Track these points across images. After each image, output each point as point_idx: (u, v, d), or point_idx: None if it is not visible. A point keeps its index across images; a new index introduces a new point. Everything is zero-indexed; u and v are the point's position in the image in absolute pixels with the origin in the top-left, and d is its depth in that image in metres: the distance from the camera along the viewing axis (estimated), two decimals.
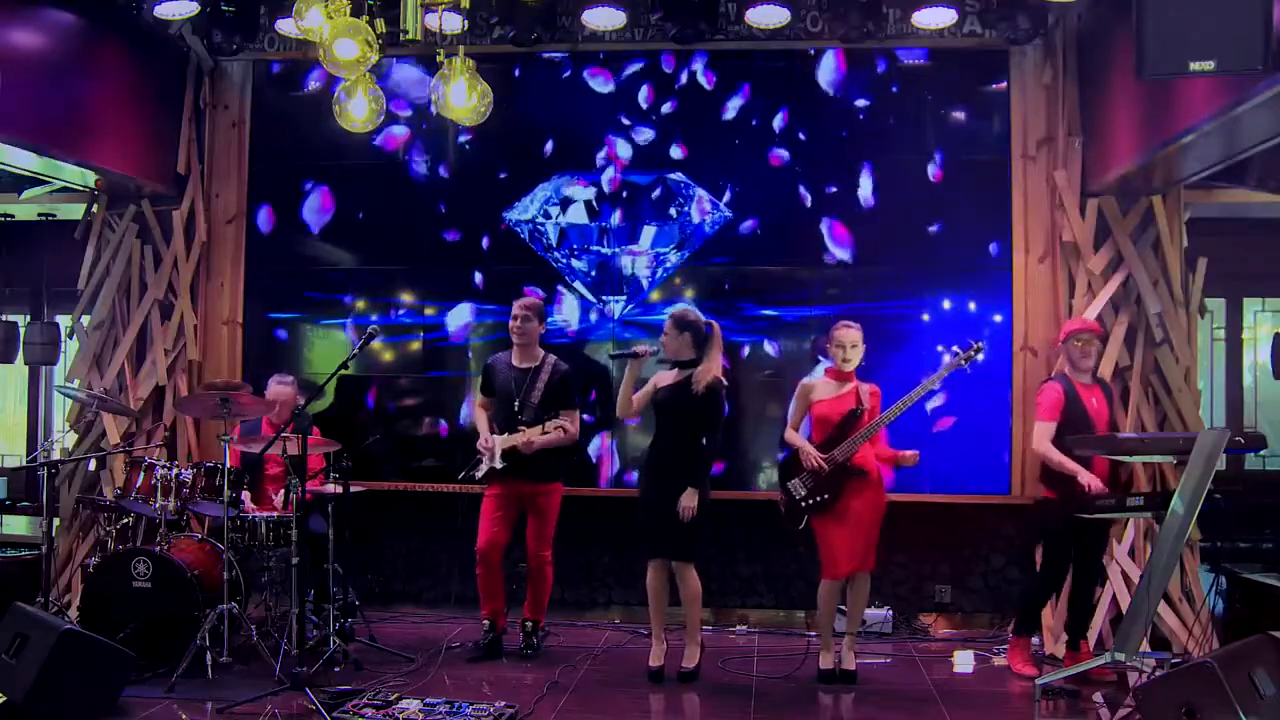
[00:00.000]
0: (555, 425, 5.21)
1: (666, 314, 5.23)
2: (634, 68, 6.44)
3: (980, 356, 5.08)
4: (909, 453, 5.04)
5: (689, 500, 4.94)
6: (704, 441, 5.04)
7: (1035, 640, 5.61)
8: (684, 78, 6.40)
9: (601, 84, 6.46)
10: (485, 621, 5.51)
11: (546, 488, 5.43)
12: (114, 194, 6.62)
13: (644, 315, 6.38)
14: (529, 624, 5.54)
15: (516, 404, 5.35)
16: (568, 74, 6.48)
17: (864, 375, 5.21)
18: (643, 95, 6.43)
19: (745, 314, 6.32)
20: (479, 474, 5.33)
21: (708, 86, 6.39)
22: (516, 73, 6.48)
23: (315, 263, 6.65)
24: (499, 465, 5.24)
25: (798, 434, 5.13)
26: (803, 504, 5.02)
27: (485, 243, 6.49)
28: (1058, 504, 5.16)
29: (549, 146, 6.47)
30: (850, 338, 5.08)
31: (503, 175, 6.50)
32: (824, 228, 6.29)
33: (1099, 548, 5.35)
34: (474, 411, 5.66)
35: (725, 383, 5.09)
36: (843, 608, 5.28)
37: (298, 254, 6.65)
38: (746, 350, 6.33)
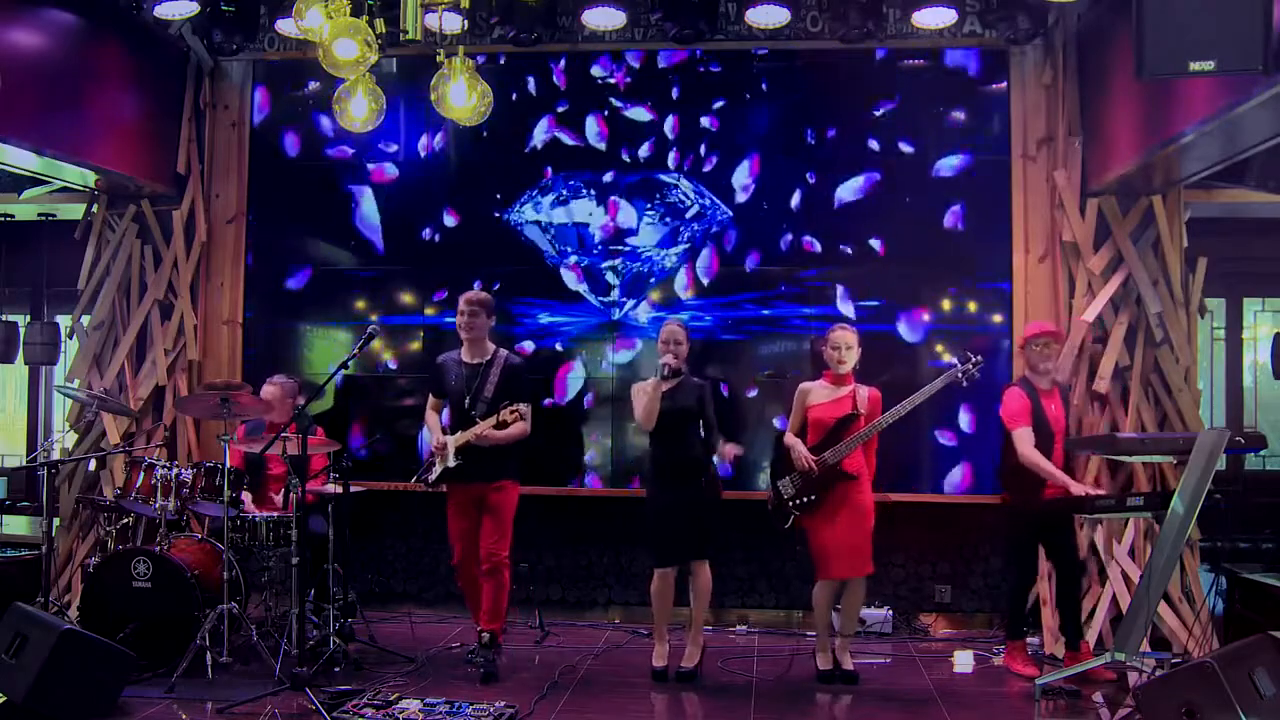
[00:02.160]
0: (511, 411, 4.96)
1: (670, 326, 5.15)
2: (635, 66, 6.44)
3: (977, 374, 5.09)
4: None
5: (735, 449, 5.03)
6: (713, 433, 5.10)
7: (1035, 640, 5.61)
8: (685, 78, 6.40)
9: (601, 83, 6.46)
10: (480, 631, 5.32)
11: (500, 485, 5.18)
12: (114, 194, 6.62)
13: (643, 315, 6.38)
14: (485, 635, 5.19)
15: (468, 401, 5.18)
16: (567, 73, 6.48)
17: (864, 376, 5.21)
18: (644, 95, 6.43)
19: (745, 314, 6.32)
20: (432, 478, 5.20)
21: (708, 86, 6.39)
22: (515, 72, 6.48)
23: (315, 262, 6.65)
24: (453, 464, 5.08)
25: (795, 437, 5.13)
26: (789, 503, 5.04)
27: (485, 243, 6.49)
28: (1014, 505, 5.25)
29: (549, 146, 6.48)
30: (846, 339, 5.07)
31: (503, 175, 6.50)
32: (823, 227, 6.29)
33: (1069, 541, 5.37)
34: (426, 415, 5.42)
35: None
36: (839, 608, 5.28)
37: (298, 254, 6.66)
38: (746, 351, 6.33)
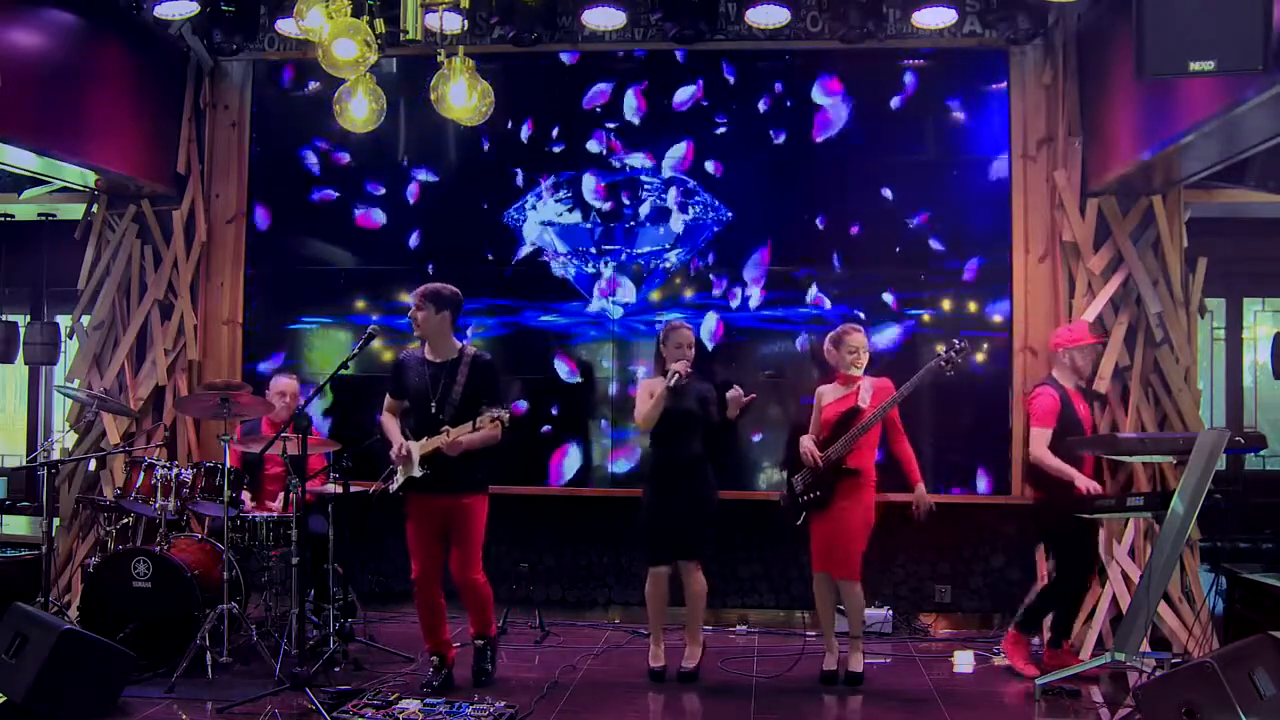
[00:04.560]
0: (492, 417, 4.55)
1: (684, 330, 5.08)
2: (635, 66, 6.44)
3: (961, 359, 5.07)
4: (926, 500, 5.08)
5: (739, 394, 4.95)
6: (714, 428, 5.10)
7: (1036, 640, 5.61)
8: (683, 77, 6.40)
9: (602, 82, 6.46)
10: (433, 658, 4.93)
11: (468, 500, 4.77)
12: (114, 194, 6.61)
13: (643, 316, 6.38)
14: (479, 642, 4.99)
15: (434, 404, 4.75)
16: (568, 73, 6.48)
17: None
18: (643, 94, 6.43)
19: (745, 314, 6.32)
20: (394, 487, 4.83)
21: (707, 86, 6.39)
22: (516, 72, 6.48)
23: (315, 262, 6.66)
24: (418, 473, 4.69)
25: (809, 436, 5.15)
26: (800, 499, 5.06)
27: (485, 242, 6.49)
28: (1049, 504, 5.20)
29: (548, 146, 6.47)
30: (862, 342, 5.12)
31: (502, 175, 6.49)
32: (823, 228, 6.28)
33: (1094, 546, 5.40)
34: (381, 419, 4.96)
35: None
36: (843, 609, 5.28)
37: (298, 254, 6.66)
38: (746, 351, 6.33)
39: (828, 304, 6.24)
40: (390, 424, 4.93)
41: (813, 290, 6.28)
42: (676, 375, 4.94)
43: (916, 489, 5.12)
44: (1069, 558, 5.26)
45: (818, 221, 6.29)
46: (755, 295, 6.30)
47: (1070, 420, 5.16)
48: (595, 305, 6.42)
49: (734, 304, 6.31)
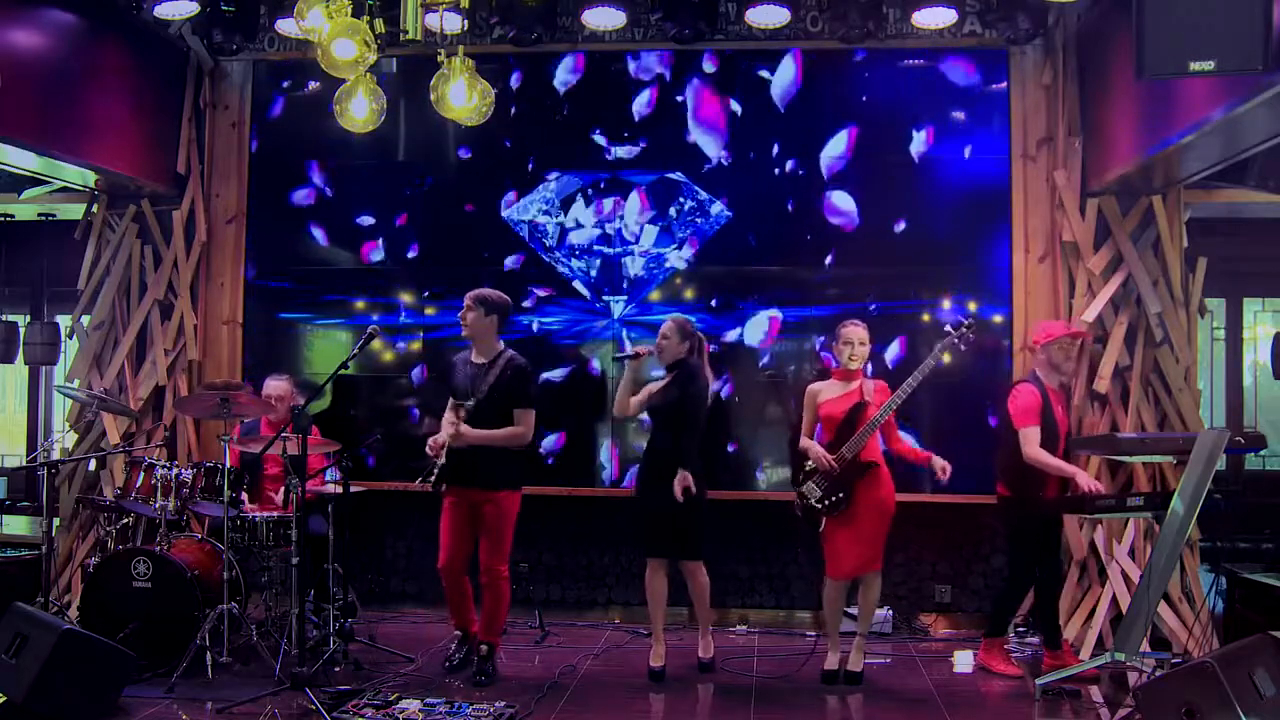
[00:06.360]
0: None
1: (668, 319, 5.22)
2: (635, 65, 6.44)
3: (972, 334, 5.06)
4: (939, 462, 4.99)
5: (681, 483, 4.93)
6: (686, 433, 5.06)
7: (1035, 640, 5.61)
8: (684, 77, 6.40)
9: (602, 81, 6.46)
10: (457, 631, 5.26)
11: (496, 495, 4.96)
12: (114, 194, 6.62)
13: (643, 315, 6.38)
14: (483, 647, 5.07)
15: (473, 401, 5.00)
16: (568, 71, 6.48)
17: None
18: (644, 93, 6.43)
19: (745, 314, 6.32)
20: (432, 479, 4.97)
21: (707, 85, 6.39)
22: (515, 73, 6.49)
23: (314, 262, 6.66)
24: (439, 463, 4.94)
25: (809, 439, 5.11)
26: (819, 505, 5.00)
27: (485, 242, 6.49)
28: (1016, 502, 5.19)
29: (549, 145, 6.48)
30: (857, 335, 5.07)
31: (502, 173, 6.50)
32: (824, 228, 6.28)
33: (1058, 543, 5.42)
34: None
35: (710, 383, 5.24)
36: (850, 611, 5.28)
37: (297, 254, 6.66)
38: (746, 350, 6.33)
39: (825, 303, 6.24)
40: (444, 419, 5.17)
41: (810, 289, 6.28)
42: (635, 354, 5.07)
43: (932, 461, 5.02)
44: (1032, 556, 5.25)
45: (816, 221, 6.28)
46: (754, 295, 6.30)
47: (1048, 420, 5.09)
48: (596, 304, 6.42)
49: (733, 303, 6.31)
